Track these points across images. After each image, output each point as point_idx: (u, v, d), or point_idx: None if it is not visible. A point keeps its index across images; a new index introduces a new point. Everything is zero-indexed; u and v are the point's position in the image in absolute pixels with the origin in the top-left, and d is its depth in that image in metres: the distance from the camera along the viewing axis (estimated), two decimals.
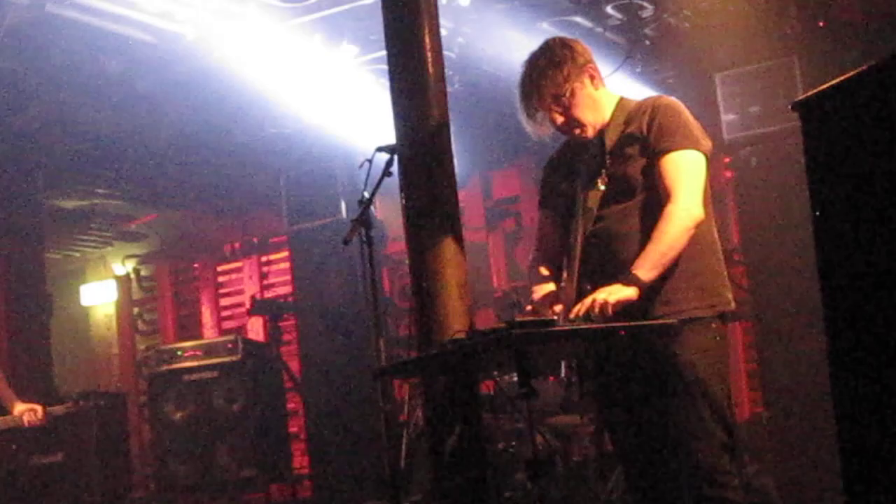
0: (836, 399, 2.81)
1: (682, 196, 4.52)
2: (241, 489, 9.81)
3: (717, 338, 4.62)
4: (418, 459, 7.39)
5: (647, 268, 4.44)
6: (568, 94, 4.72)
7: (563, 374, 7.25)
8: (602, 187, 4.68)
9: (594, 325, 4.27)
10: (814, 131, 2.90)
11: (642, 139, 4.66)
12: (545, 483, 4.36)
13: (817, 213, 2.86)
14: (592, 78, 4.81)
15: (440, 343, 4.83)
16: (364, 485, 9.41)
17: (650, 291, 4.50)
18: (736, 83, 8.61)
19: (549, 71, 4.73)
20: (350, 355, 9.98)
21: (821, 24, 8.49)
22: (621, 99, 4.90)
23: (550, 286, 4.80)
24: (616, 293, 4.39)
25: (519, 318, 4.15)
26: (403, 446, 7.43)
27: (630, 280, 4.42)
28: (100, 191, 11.59)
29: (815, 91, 2.87)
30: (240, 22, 7.82)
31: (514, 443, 7.81)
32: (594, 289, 4.48)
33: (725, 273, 4.77)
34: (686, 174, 4.57)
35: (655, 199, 4.59)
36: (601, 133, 4.81)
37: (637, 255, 4.50)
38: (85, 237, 13.33)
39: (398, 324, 11.29)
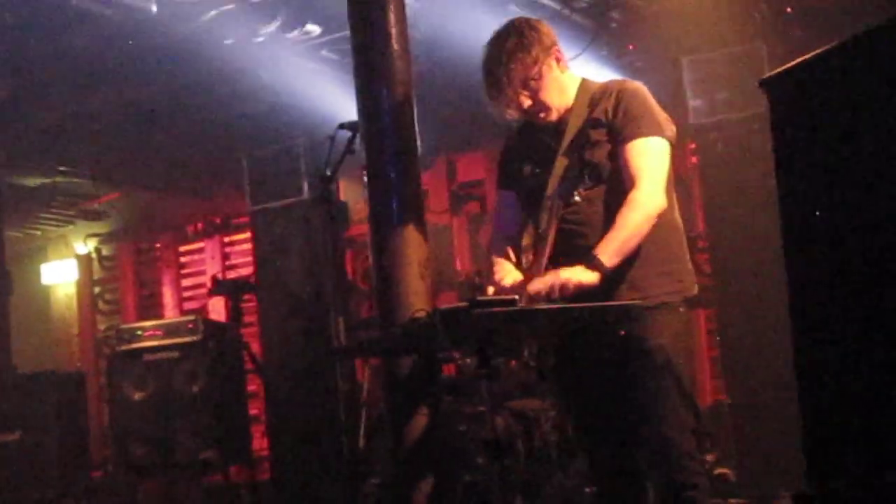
0: (800, 380, 2.79)
1: (645, 184, 4.49)
2: (201, 470, 9.73)
3: (685, 322, 4.71)
4: (378, 441, 7.35)
5: (609, 254, 4.41)
6: (536, 77, 4.66)
7: (524, 357, 7.22)
8: (569, 173, 4.62)
9: (557, 306, 4.24)
10: (781, 109, 2.87)
11: (608, 124, 4.63)
12: (505, 465, 4.31)
13: (783, 192, 2.83)
14: (558, 60, 4.75)
15: (400, 322, 4.80)
16: (324, 467, 9.36)
17: (619, 277, 4.51)
18: (703, 68, 8.57)
19: (519, 53, 4.65)
20: (311, 337, 9.90)
21: (789, 10, 8.48)
22: (583, 81, 4.86)
23: (517, 274, 4.71)
24: (578, 276, 4.35)
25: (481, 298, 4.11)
26: (362, 428, 7.40)
27: (594, 265, 4.38)
28: (62, 168, 11.46)
29: (782, 68, 2.84)
30: None
31: (473, 426, 7.78)
32: None
33: (689, 258, 4.79)
34: (650, 162, 4.55)
35: (622, 185, 4.55)
36: (565, 117, 4.76)
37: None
38: (46, 215, 13.21)
39: (360, 307, 11.24)
